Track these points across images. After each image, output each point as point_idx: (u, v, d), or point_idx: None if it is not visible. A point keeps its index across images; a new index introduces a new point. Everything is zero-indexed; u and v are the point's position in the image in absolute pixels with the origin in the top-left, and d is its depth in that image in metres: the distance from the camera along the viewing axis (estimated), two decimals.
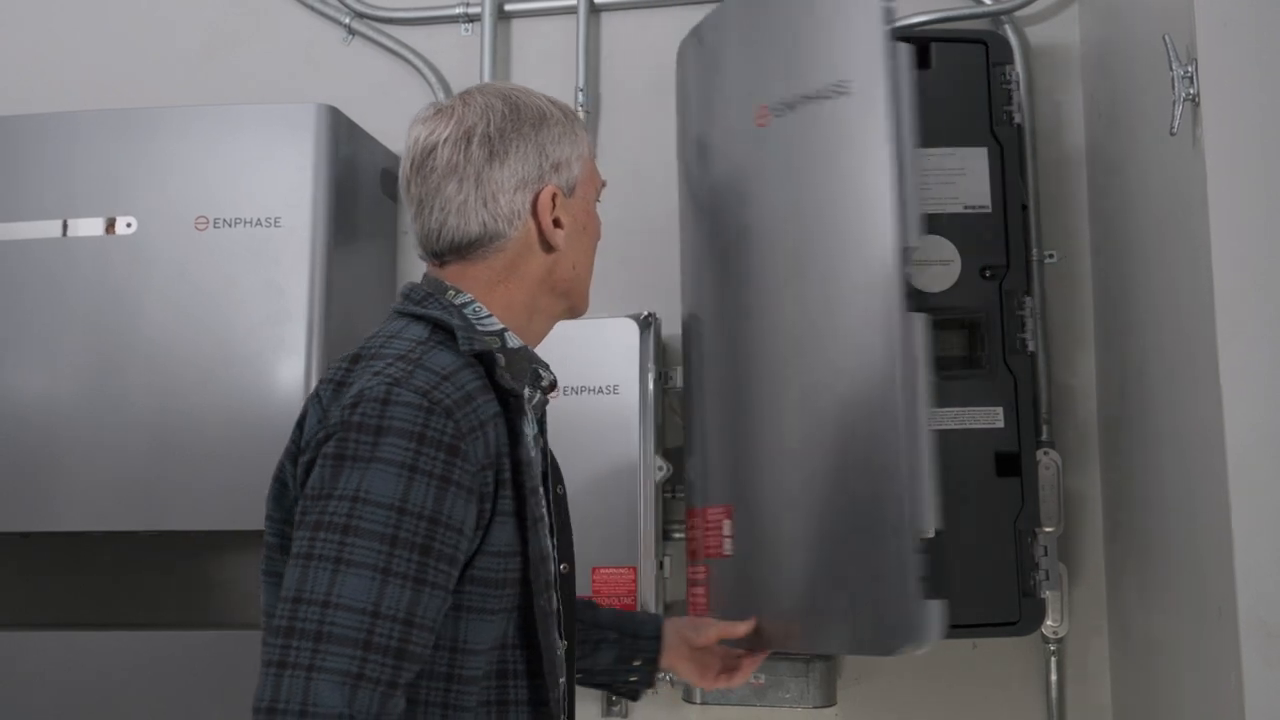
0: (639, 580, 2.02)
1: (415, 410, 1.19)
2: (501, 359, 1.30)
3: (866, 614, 1.60)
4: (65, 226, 2.17)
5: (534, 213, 1.36)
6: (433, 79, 2.45)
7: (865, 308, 1.63)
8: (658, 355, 2.16)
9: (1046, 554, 1.96)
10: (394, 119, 2.41)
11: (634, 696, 1.72)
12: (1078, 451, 2.15)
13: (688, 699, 2.14)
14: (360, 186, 2.29)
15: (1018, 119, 2.05)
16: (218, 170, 2.12)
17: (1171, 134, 1.38)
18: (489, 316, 1.34)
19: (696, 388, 1.96)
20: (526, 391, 1.33)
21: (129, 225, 2.12)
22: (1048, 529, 1.98)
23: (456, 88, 2.44)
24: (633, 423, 2.09)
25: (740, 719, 2.20)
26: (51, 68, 2.61)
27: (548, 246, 1.37)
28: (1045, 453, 2.03)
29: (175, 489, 2.07)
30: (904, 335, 1.57)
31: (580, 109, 2.38)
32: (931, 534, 1.55)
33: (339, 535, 1.16)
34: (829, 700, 2.11)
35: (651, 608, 2.04)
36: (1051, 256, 2.17)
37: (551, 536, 1.37)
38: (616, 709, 2.26)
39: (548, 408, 1.45)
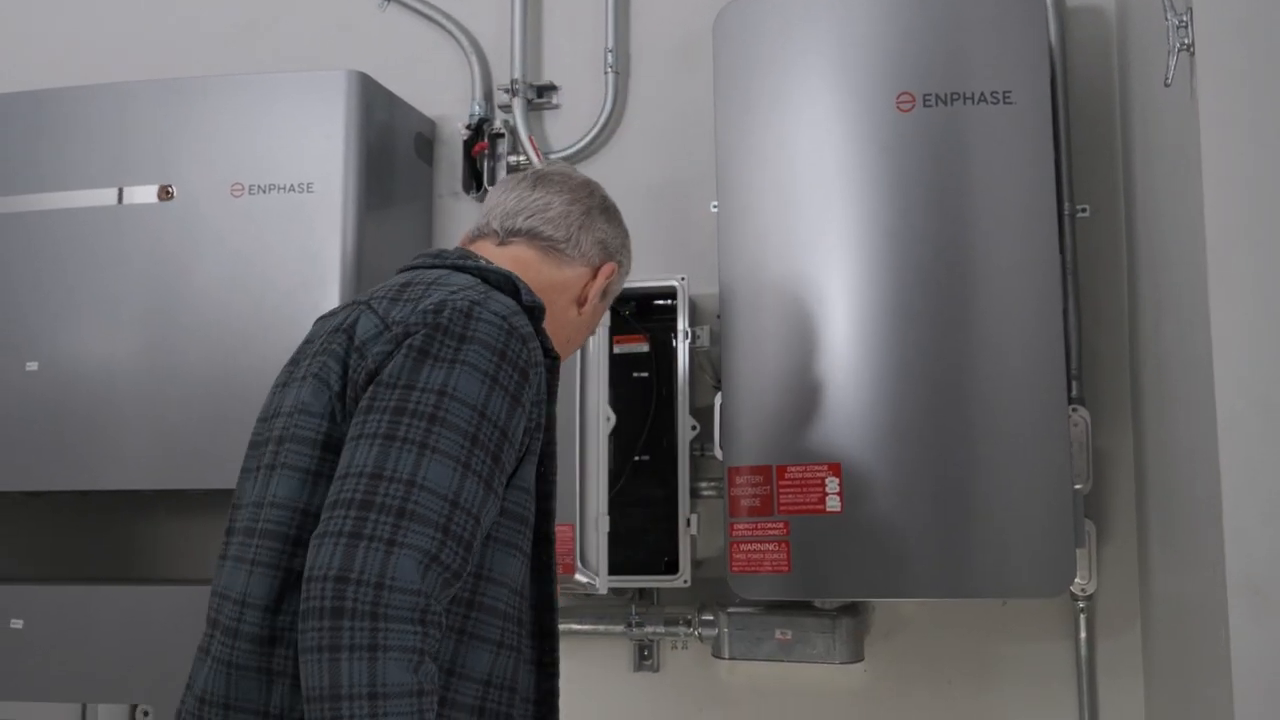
0: (578, 538, 2.00)
1: (497, 329, 1.23)
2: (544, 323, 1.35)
3: (1025, 560, 1.86)
4: (121, 194, 2.23)
5: (595, 271, 1.49)
6: (465, 43, 2.48)
7: (1020, 303, 1.90)
8: (692, 317, 2.18)
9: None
10: (428, 84, 2.46)
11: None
12: (1111, 409, 2.13)
13: (716, 654, 2.17)
14: (395, 151, 2.33)
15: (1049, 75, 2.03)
16: (252, 138, 2.17)
17: (1166, 85, 1.36)
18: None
19: (761, 350, 2.00)
20: None
21: (169, 193, 2.18)
22: (1077, 486, 1.97)
23: (490, 52, 2.49)
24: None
25: (769, 674, 2.23)
26: (99, 40, 2.68)
27: (580, 304, 1.49)
28: (1074, 410, 2.02)
29: (224, 448, 2.13)
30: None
31: (609, 70, 2.40)
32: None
33: (425, 423, 1.17)
34: (856, 656, 2.13)
35: (593, 565, 2.00)
36: (1084, 210, 2.14)
37: None
38: (648, 663, 2.30)
39: None
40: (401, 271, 1.38)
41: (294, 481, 1.24)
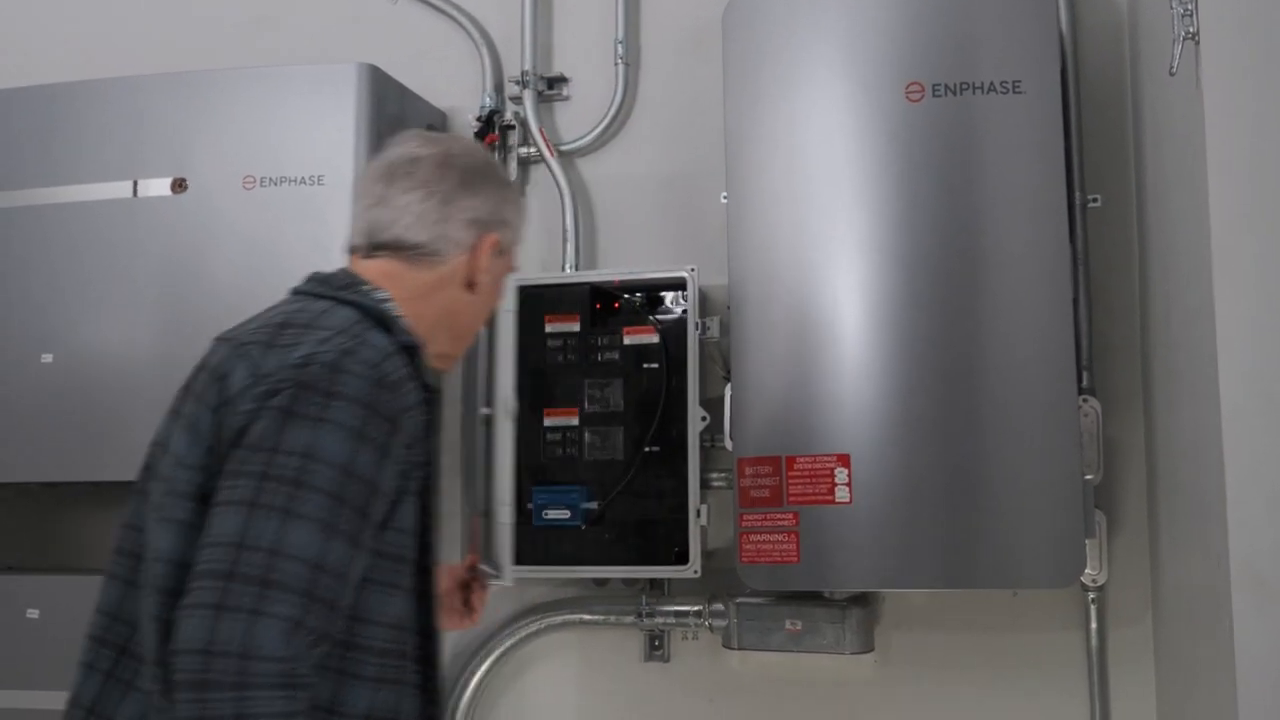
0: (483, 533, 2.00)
1: (364, 381, 1.24)
2: (420, 357, 1.36)
3: (1035, 551, 1.86)
4: (136, 187, 2.24)
5: (473, 251, 1.45)
6: (476, 35, 2.48)
7: (1029, 294, 1.89)
8: (702, 308, 2.18)
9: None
10: (439, 76, 2.47)
11: None
12: (1122, 399, 2.13)
13: (727, 645, 2.17)
14: None
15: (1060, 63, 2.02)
16: (264, 130, 2.19)
17: (1170, 74, 1.35)
18: (402, 317, 1.38)
19: (771, 341, 2.00)
20: None
21: (183, 185, 2.20)
22: (1087, 477, 1.97)
23: (500, 44, 2.48)
24: None
25: (779, 664, 2.23)
26: (113, 35, 2.69)
27: (470, 285, 1.45)
28: (1085, 400, 2.01)
29: None
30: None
31: (619, 61, 2.40)
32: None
33: (289, 487, 1.18)
34: (866, 646, 2.13)
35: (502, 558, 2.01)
36: (1095, 200, 2.13)
37: None
38: (659, 654, 2.30)
39: None
40: (292, 293, 1.41)
41: (171, 535, 1.26)
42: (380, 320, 1.34)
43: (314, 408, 1.22)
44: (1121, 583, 2.11)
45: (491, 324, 1.91)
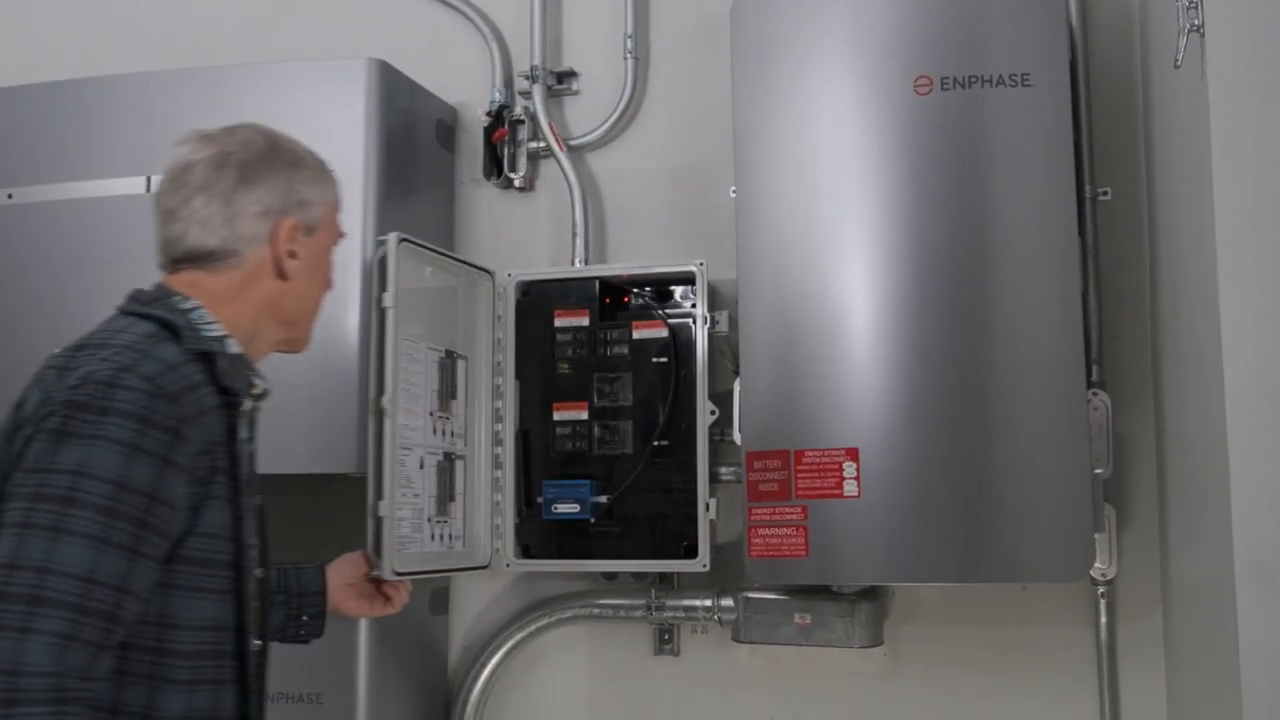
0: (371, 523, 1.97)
1: (140, 394, 1.28)
2: (222, 361, 1.40)
3: (1043, 545, 1.85)
4: (150, 183, 2.25)
5: (272, 240, 1.47)
6: (486, 29, 2.49)
7: (1038, 287, 1.88)
8: (711, 302, 2.18)
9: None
10: (449, 71, 2.48)
11: (305, 642, 1.81)
12: (1133, 393, 2.12)
13: (736, 638, 2.18)
14: (416, 138, 2.34)
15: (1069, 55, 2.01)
16: (274, 125, 2.18)
17: (1175, 66, 1.35)
18: (213, 323, 1.43)
19: (779, 334, 2.00)
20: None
21: None
22: (1097, 471, 1.96)
23: (510, 38, 2.49)
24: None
25: (789, 657, 2.23)
26: (125, 31, 2.71)
27: (281, 274, 1.49)
28: (1095, 394, 2.01)
29: (271, 433, 2.15)
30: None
31: (629, 55, 2.40)
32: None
33: (58, 506, 1.23)
34: (875, 640, 2.13)
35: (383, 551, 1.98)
36: (1105, 194, 2.13)
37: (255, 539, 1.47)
38: (669, 647, 2.31)
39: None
40: (116, 310, 1.45)
41: None
42: (176, 332, 1.38)
43: (86, 425, 1.26)
44: (1131, 577, 2.10)
45: (382, 320, 1.92)
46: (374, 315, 1.96)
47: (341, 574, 1.82)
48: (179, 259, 1.46)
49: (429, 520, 2.05)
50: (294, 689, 2.09)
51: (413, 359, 2.03)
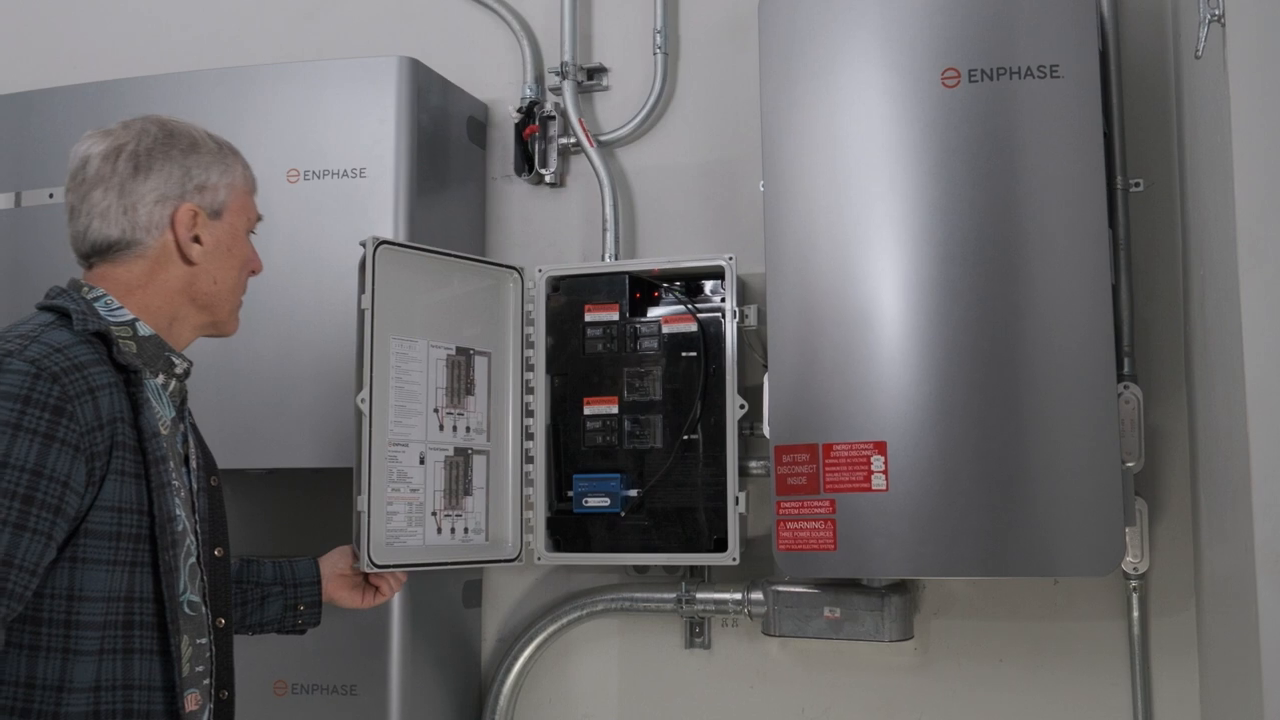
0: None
1: (23, 376, 1.33)
2: (126, 344, 1.45)
3: (1073, 538, 1.84)
4: None
5: (173, 227, 1.50)
6: (516, 26, 2.50)
7: (1068, 280, 1.87)
8: (740, 295, 2.19)
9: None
10: (481, 68, 2.50)
11: (302, 632, 1.85)
12: (1166, 386, 2.10)
13: (766, 631, 2.18)
14: (448, 135, 2.36)
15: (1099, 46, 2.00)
16: (307, 125, 2.22)
17: (1196, 56, 1.34)
18: (120, 309, 1.48)
19: (807, 328, 2.00)
20: (162, 378, 1.50)
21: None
22: (1128, 464, 1.95)
23: (540, 35, 2.50)
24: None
25: (820, 651, 2.24)
26: (161, 31, 2.75)
27: (186, 260, 1.52)
28: (1126, 387, 2.00)
29: (281, 428, 2.19)
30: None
31: (658, 51, 2.40)
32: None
33: None
34: (906, 634, 2.13)
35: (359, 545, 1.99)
36: (1137, 185, 2.11)
37: (199, 521, 1.51)
38: (700, 641, 2.32)
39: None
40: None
41: None
42: (69, 317, 1.42)
43: None
44: (1164, 571, 2.09)
45: (361, 321, 1.94)
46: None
47: (333, 565, 1.87)
48: (87, 254, 1.51)
49: (433, 514, 2.07)
50: (328, 681, 2.13)
51: (408, 357, 2.05)
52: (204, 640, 1.50)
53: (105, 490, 1.37)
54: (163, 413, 1.47)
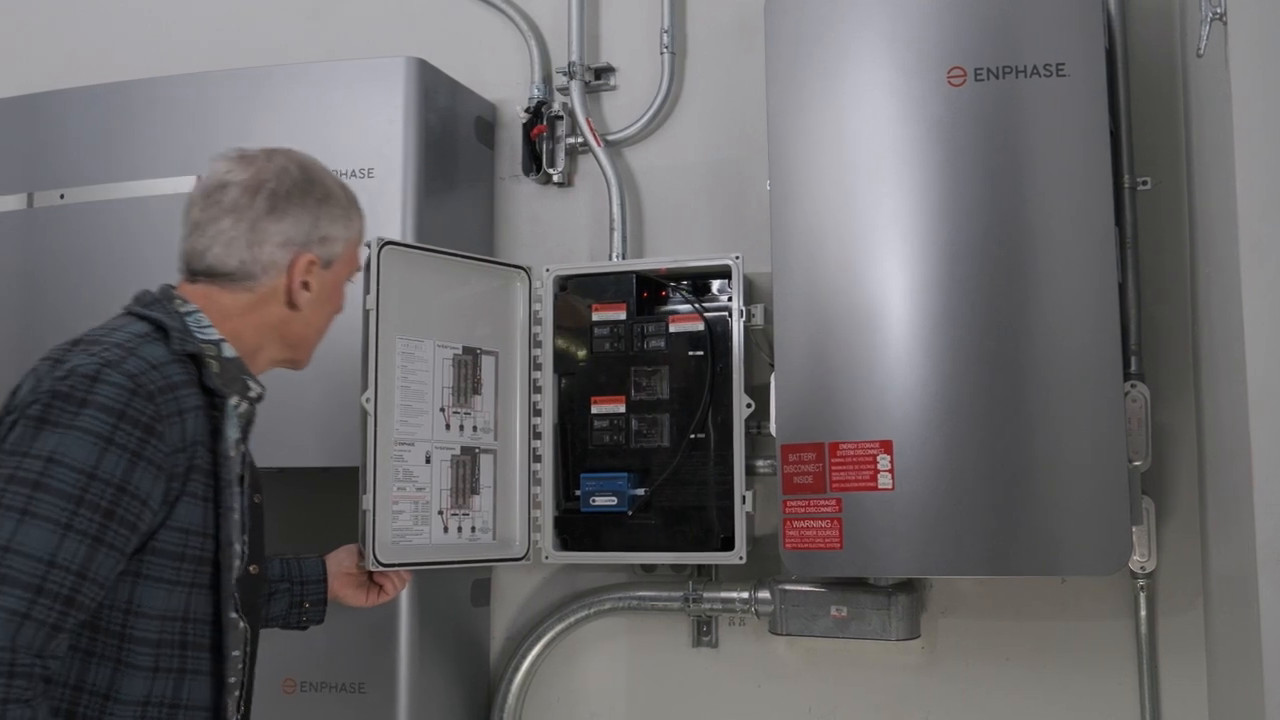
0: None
1: (120, 390, 1.34)
2: (214, 364, 1.46)
3: (1079, 537, 1.83)
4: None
5: (289, 271, 1.53)
6: (524, 26, 2.51)
7: (1074, 279, 1.86)
8: (747, 294, 2.19)
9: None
10: (488, 68, 2.51)
11: (304, 629, 1.86)
12: (1174, 385, 2.10)
13: (773, 630, 2.18)
14: (456, 135, 2.37)
15: (1105, 43, 1.99)
16: (316, 125, 2.22)
17: (1198, 55, 1.33)
18: (209, 327, 1.50)
19: (814, 327, 2.00)
20: (235, 399, 1.50)
21: None
22: (1135, 463, 1.95)
23: (548, 35, 2.51)
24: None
25: (825, 650, 2.24)
26: (173, 32, 2.76)
27: (291, 303, 1.55)
28: (1133, 385, 1.99)
29: (290, 428, 2.20)
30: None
31: (665, 51, 2.41)
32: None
33: (29, 490, 1.29)
34: (913, 633, 2.13)
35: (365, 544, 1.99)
36: (1145, 183, 2.10)
37: (243, 535, 1.51)
38: (707, 639, 2.32)
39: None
40: (122, 311, 1.51)
41: None
42: (168, 333, 1.43)
43: (65, 415, 1.32)
44: (1172, 570, 2.08)
45: (366, 320, 1.95)
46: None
47: (339, 563, 1.88)
48: (197, 271, 1.53)
49: (440, 513, 2.08)
50: (336, 679, 2.14)
51: (415, 357, 2.06)
52: (237, 653, 1.52)
53: (177, 511, 1.39)
54: (232, 435, 1.49)
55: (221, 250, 1.50)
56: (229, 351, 1.50)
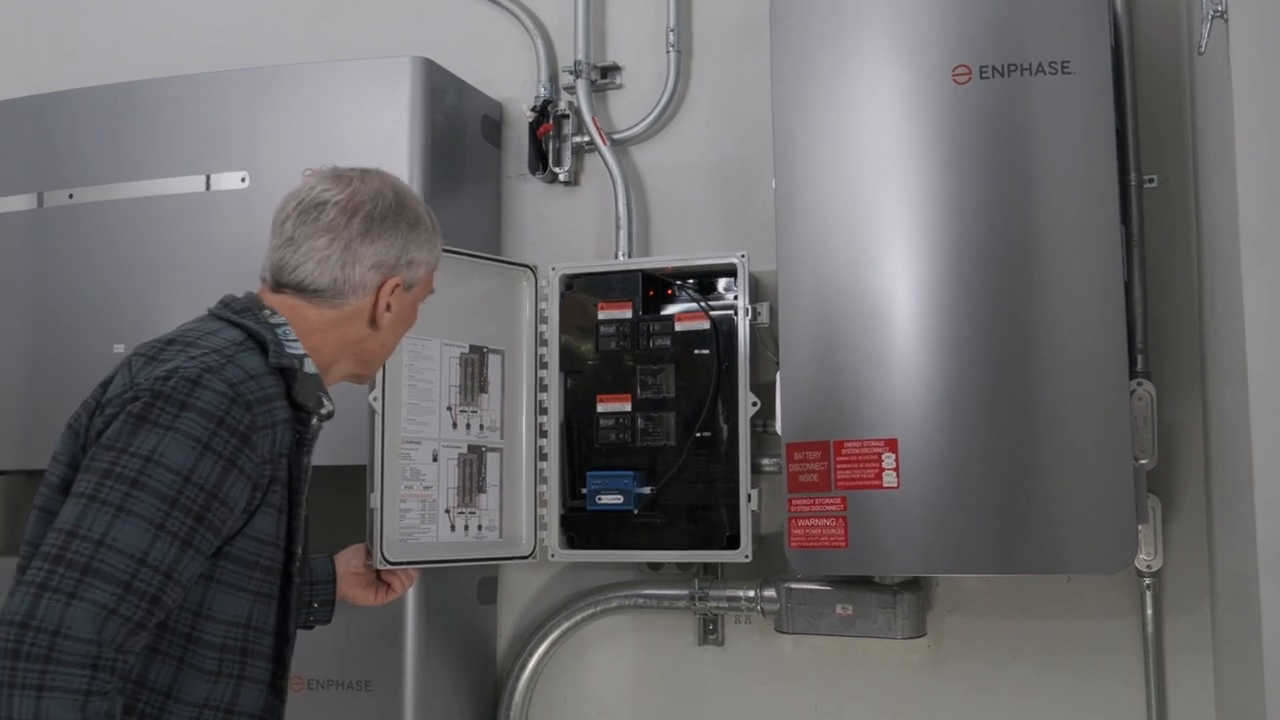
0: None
1: (220, 397, 1.36)
2: (299, 378, 1.48)
3: (1085, 536, 1.83)
4: (209, 181, 2.31)
5: (377, 292, 1.56)
6: (530, 25, 2.51)
7: (1080, 277, 1.86)
8: (753, 293, 2.19)
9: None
10: (495, 67, 2.52)
11: (310, 628, 1.86)
12: (1181, 383, 2.09)
13: (779, 628, 2.18)
14: (462, 134, 2.37)
15: (1111, 41, 1.99)
16: (324, 124, 2.24)
17: (1199, 52, 1.33)
18: (296, 341, 1.51)
19: (819, 325, 2.00)
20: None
21: (242, 180, 2.26)
22: (1141, 461, 1.94)
23: (554, 33, 2.51)
24: None
25: (831, 648, 2.24)
26: (181, 33, 2.77)
27: (374, 323, 1.58)
28: (1139, 384, 1.99)
29: None
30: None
31: (671, 49, 2.41)
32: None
33: (126, 486, 1.30)
34: (918, 631, 2.13)
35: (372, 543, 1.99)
36: (1151, 181, 2.10)
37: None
38: (713, 637, 2.32)
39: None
40: (207, 312, 1.53)
41: (39, 522, 1.41)
42: (262, 344, 1.45)
43: (166, 416, 1.34)
44: (1178, 569, 2.08)
45: None
46: None
47: (347, 563, 1.89)
48: (285, 283, 1.54)
49: (447, 511, 2.08)
50: (343, 676, 2.14)
51: (422, 356, 2.06)
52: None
53: (255, 520, 1.41)
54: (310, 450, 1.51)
55: (314, 267, 1.52)
56: (310, 368, 1.51)
